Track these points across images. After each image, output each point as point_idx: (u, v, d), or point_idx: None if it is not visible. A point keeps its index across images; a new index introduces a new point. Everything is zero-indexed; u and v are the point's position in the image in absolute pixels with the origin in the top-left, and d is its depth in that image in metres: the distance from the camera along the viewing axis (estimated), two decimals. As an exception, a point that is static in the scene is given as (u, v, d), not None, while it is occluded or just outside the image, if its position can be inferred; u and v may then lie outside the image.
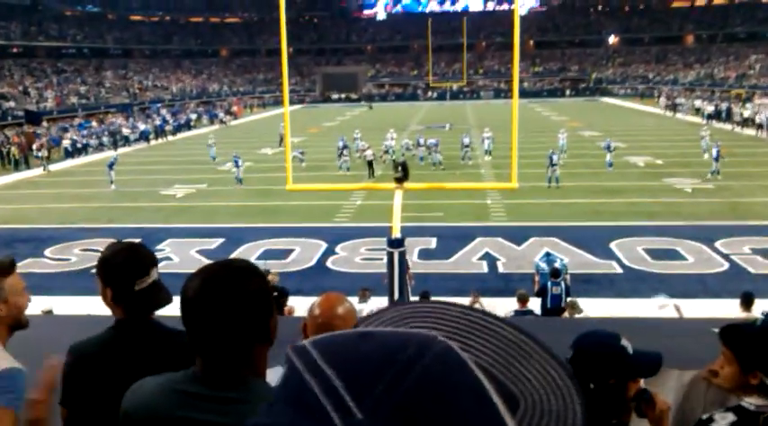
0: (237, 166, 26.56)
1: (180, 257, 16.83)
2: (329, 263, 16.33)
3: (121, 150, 39.57)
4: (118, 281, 2.31)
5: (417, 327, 0.57)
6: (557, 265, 12.56)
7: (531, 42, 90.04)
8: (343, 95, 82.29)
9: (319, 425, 0.44)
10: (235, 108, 65.45)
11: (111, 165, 26.93)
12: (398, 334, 0.52)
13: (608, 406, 2.16)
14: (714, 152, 24.95)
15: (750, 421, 2.24)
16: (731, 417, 2.28)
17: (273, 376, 1.89)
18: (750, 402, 2.32)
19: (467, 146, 29.93)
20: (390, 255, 13.26)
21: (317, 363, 0.48)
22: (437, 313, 0.60)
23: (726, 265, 15.41)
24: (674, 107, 54.29)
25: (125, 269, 2.31)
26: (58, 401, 2.32)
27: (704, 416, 2.36)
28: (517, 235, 17.73)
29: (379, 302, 11.09)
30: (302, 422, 0.45)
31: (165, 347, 2.27)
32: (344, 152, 28.76)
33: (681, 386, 3.35)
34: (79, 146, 39.43)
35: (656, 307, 11.03)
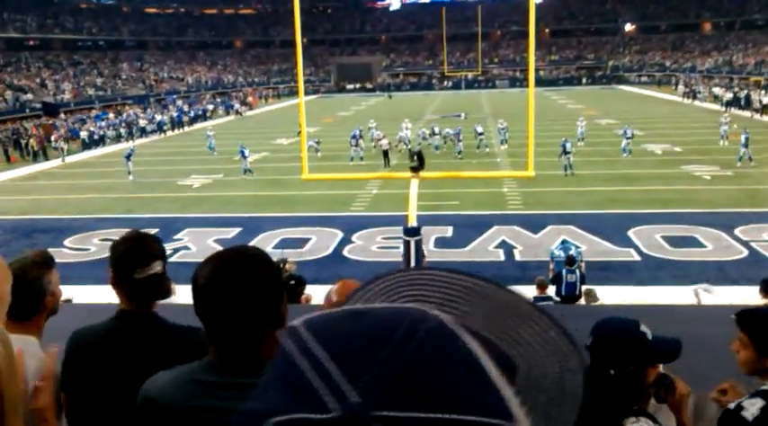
0: (244, 157, 26.46)
1: (197, 246, 16.92)
2: (346, 252, 16.37)
3: (138, 141, 39.83)
4: (119, 266, 2.38)
5: (409, 296, 0.56)
6: (571, 253, 12.52)
7: (547, 30, 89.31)
8: (357, 85, 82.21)
9: (314, 410, 0.42)
10: (250, 98, 65.64)
11: (128, 156, 27.12)
12: (391, 311, 0.51)
13: (628, 392, 2.16)
14: (743, 138, 24.65)
15: None
16: (760, 402, 2.27)
17: None
18: None
19: (481, 134, 29.80)
20: (407, 244, 13.28)
21: (308, 345, 0.46)
22: (428, 280, 0.58)
23: (745, 252, 15.28)
24: (693, 94, 53.75)
25: (127, 256, 2.39)
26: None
27: (732, 405, 2.35)
28: (534, 223, 17.66)
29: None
30: (296, 407, 0.43)
31: (164, 340, 2.32)
32: (358, 142, 28.70)
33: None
34: (96, 137, 39.72)
35: (701, 291, 10.95)
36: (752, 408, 2.26)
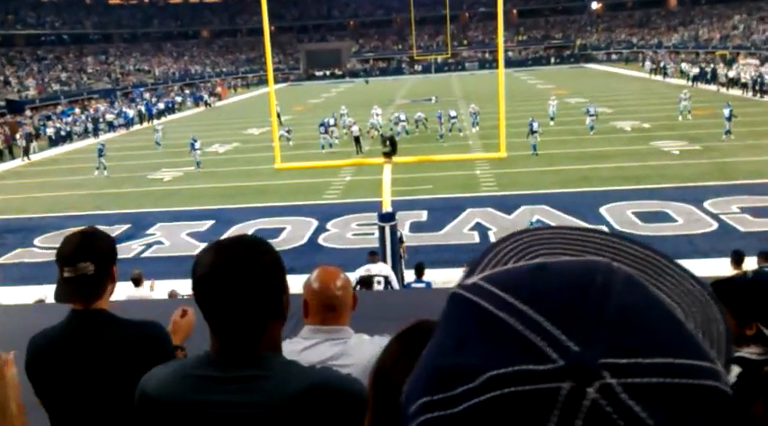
0: (194, 150, 26.14)
1: (171, 241, 16.80)
2: (321, 240, 16.34)
3: (105, 136, 39.28)
4: (57, 263, 2.38)
5: (545, 254, 0.55)
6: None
7: (515, 11, 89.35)
8: (327, 72, 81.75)
9: (535, 362, 0.41)
10: (219, 89, 64.95)
11: (100, 152, 26.67)
12: (577, 264, 0.49)
13: None
14: (726, 112, 24.95)
15: (754, 371, 2.26)
16: (737, 369, 2.30)
17: (289, 348, 1.88)
18: (751, 352, 2.35)
19: (454, 117, 29.77)
20: (382, 230, 13.30)
21: (505, 299, 0.45)
22: (560, 237, 0.57)
23: (715, 225, 15.52)
24: (663, 70, 54.23)
25: (59, 252, 2.38)
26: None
27: None
28: (507, 205, 17.77)
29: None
30: (517, 359, 0.41)
31: (116, 337, 2.31)
32: (327, 129, 28.50)
33: None
34: (63, 133, 39.09)
35: None
36: (729, 374, 2.29)
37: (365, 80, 73.75)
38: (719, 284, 2.45)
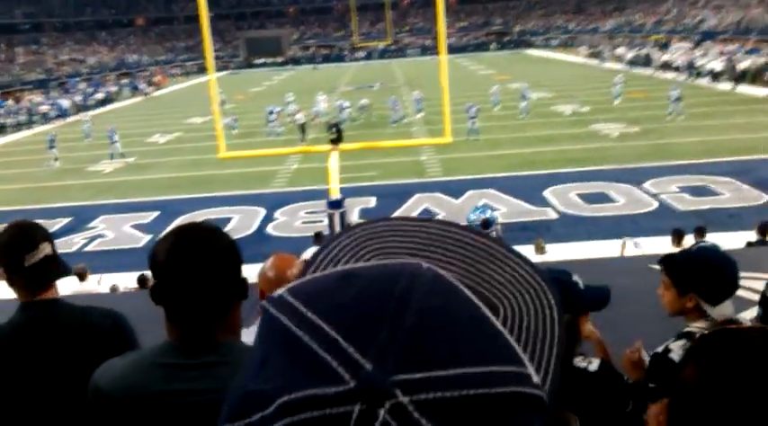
0: (112, 142, 25.60)
1: (115, 233, 16.43)
2: (270, 229, 16.22)
3: (41, 128, 38.04)
4: (7, 258, 2.32)
5: (378, 249, 0.54)
6: (487, 216, 12.76)
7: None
8: (268, 60, 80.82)
9: (326, 384, 0.39)
10: (158, 77, 63.54)
11: (51, 143, 25.74)
12: (383, 269, 0.48)
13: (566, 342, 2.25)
14: (675, 94, 25.66)
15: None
16: (686, 343, 2.40)
17: (246, 338, 1.88)
18: (696, 326, 2.47)
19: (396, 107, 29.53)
20: (331, 217, 13.29)
21: (305, 315, 0.43)
22: (394, 230, 0.56)
23: (655, 204, 15.98)
24: (600, 55, 55.30)
25: (12, 245, 2.31)
26: None
27: (660, 349, 2.48)
28: (454, 189, 17.94)
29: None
30: (305, 383, 0.39)
31: (74, 325, 2.28)
32: (270, 117, 28.21)
33: None
34: (-5, 126, 37.75)
35: (629, 244, 11.47)
36: (678, 350, 2.38)
37: (313, 66, 73.54)
38: (666, 258, 2.59)
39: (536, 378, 0.43)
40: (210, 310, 1.58)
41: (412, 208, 16.87)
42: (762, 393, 1.11)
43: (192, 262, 1.55)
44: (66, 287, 9.55)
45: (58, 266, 2.39)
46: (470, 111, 24.44)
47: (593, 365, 2.33)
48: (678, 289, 2.51)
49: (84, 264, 10.63)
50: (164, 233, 1.64)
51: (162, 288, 1.56)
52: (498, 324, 0.46)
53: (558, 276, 2.28)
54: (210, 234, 1.62)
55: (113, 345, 2.13)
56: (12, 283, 2.34)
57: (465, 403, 0.39)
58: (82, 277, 10.30)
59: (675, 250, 9.50)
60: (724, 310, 2.47)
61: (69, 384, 2.16)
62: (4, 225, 2.42)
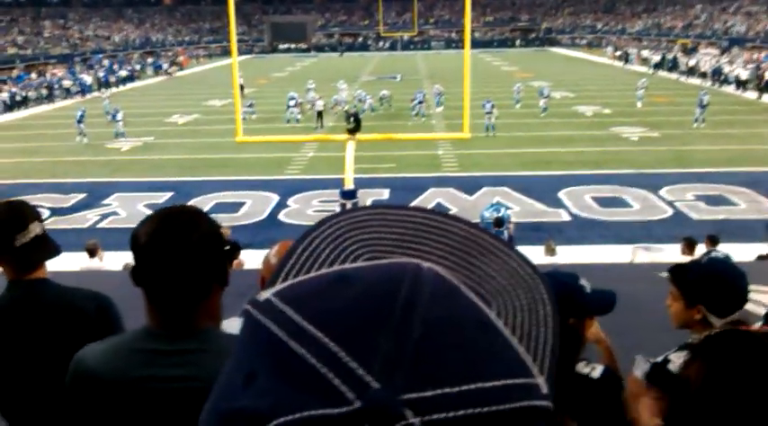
0: (116, 120, 25.76)
1: (127, 212, 16.52)
2: (281, 216, 16.23)
3: (62, 103, 38.32)
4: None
5: (362, 240, 0.50)
6: (500, 214, 12.72)
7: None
8: (292, 45, 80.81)
9: (329, 404, 0.36)
10: (181, 58, 63.74)
11: (80, 119, 25.88)
12: (380, 271, 0.44)
13: (570, 345, 2.22)
14: (704, 99, 25.24)
15: None
16: (685, 355, 2.36)
17: (231, 326, 1.87)
18: (696, 337, 2.42)
19: (420, 103, 28.88)
20: (343, 207, 13.27)
21: (299, 324, 0.39)
22: (378, 219, 0.52)
23: (670, 212, 15.82)
24: (626, 57, 54.79)
25: (2, 224, 2.31)
26: None
27: (659, 358, 2.44)
28: (469, 185, 17.86)
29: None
30: (307, 401, 0.36)
31: (61, 304, 2.28)
32: (291, 103, 28.15)
33: None
34: (18, 99, 38.01)
35: (640, 251, 11.39)
36: (678, 361, 2.35)
37: (339, 52, 74.53)
38: (675, 269, 2.55)
39: (545, 389, 0.41)
40: (190, 295, 1.57)
41: (425, 202, 16.81)
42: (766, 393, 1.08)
43: (172, 246, 1.54)
44: (75, 262, 9.63)
45: (47, 246, 2.38)
46: (486, 107, 24.36)
47: (597, 371, 2.30)
48: (686, 301, 2.47)
49: (96, 240, 10.65)
50: (144, 217, 1.62)
51: (142, 271, 1.56)
52: (505, 330, 0.43)
53: (564, 278, 2.26)
54: (193, 218, 1.61)
55: (96, 328, 2.13)
56: (1, 262, 2.34)
57: (478, 422, 0.37)
58: (92, 253, 10.30)
59: (686, 258, 9.42)
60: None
61: (50, 366, 2.16)
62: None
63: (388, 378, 0.36)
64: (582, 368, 2.28)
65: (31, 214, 2.37)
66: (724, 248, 10.23)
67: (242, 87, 32.94)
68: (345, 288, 0.41)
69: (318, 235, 0.51)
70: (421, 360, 0.37)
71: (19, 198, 2.56)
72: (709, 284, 2.43)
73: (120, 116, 25.92)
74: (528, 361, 0.42)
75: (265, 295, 0.42)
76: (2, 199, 2.46)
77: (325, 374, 0.36)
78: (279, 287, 0.43)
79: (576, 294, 2.22)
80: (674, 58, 47.95)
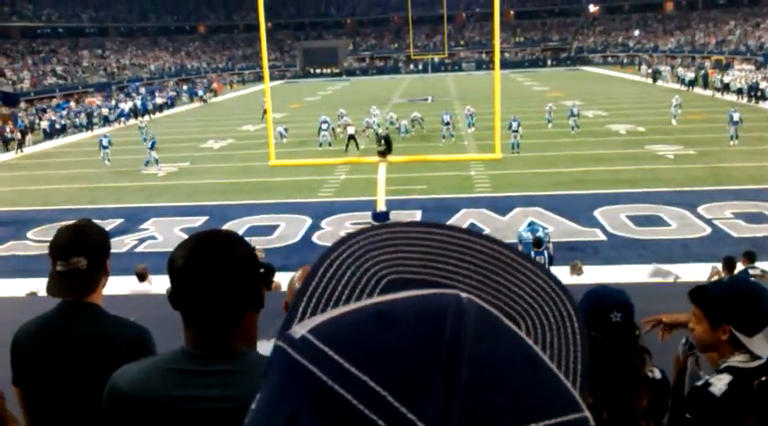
0: (152, 148, 25.82)
1: (164, 236, 16.75)
2: (315, 238, 16.31)
3: (100, 130, 39.15)
4: (50, 255, 2.37)
5: (385, 261, 0.48)
6: (539, 235, 12.61)
7: (512, 12, 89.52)
8: (324, 70, 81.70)
9: None
10: (215, 85, 64.82)
11: (106, 145, 26.48)
12: (420, 306, 0.41)
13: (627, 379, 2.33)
14: (734, 116, 24.81)
15: (745, 379, 2.29)
16: (727, 378, 2.33)
17: (265, 348, 1.89)
18: (738, 360, 2.38)
19: (447, 124, 28.46)
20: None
21: (342, 366, 0.36)
22: (399, 238, 0.50)
23: (708, 230, 15.55)
24: (655, 75, 54.32)
25: (53, 247, 2.36)
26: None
27: (699, 383, 2.40)
28: (502, 206, 17.78)
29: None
30: None
31: (100, 333, 2.30)
32: (323, 127, 28.32)
33: None
34: (58, 126, 38.95)
35: (652, 273, 11.20)
36: (719, 384, 2.32)
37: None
38: (696, 290, 2.52)
39: (592, 421, 0.39)
40: (225, 318, 1.59)
41: (458, 223, 16.75)
42: None
43: (207, 269, 1.57)
44: (124, 286, 9.82)
45: (78, 284, 2.36)
46: (513, 126, 24.45)
47: (656, 373, 2.41)
48: (710, 322, 2.43)
49: (145, 265, 10.85)
50: (182, 241, 1.65)
51: (179, 294, 1.59)
52: (549, 361, 0.41)
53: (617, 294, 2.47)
54: (228, 242, 1.63)
55: (127, 358, 2.14)
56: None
57: None
58: (142, 277, 10.51)
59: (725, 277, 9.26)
60: (760, 342, 2.40)
61: (84, 387, 2.21)
62: (79, 220, 2.51)
63: (441, 423, 0.34)
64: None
65: (80, 248, 2.35)
66: (763, 267, 10.04)
67: (264, 111, 33.36)
68: (386, 328, 0.39)
69: (339, 255, 0.49)
70: (473, 404, 0.35)
71: (96, 223, 2.57)
72: (734, 301, 2.40)
73: (151, 145, 26.10)
74: (575, 394, 0.40)
75: (300, 331, 0.40)
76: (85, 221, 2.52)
77: (375, 421, 0.34)
78: (313, 322, 0.41)
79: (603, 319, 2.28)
80: (708, 75, 47.38)
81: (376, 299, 0.44)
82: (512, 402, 0.36)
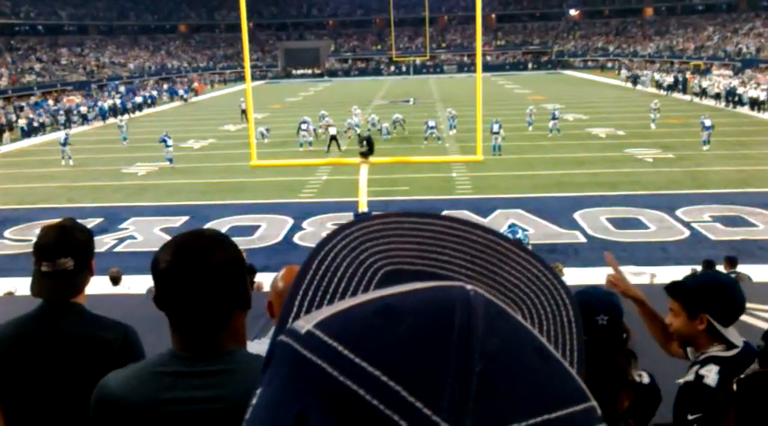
0: (167, 146, 25.25)
1: (144, 236, 16.61)
2: (296, 239, 16.27)
3: (79, 129, 38.77)
4: (35, 256, 2.33)
5: (380, 252, 0.48)
6: (519, 236, 12.64)
7: (493, 16, 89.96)
8: (305, 70, 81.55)
9: None
10: (196, 84, 64.44)
11: (64, 143, 26.30)
12: (425, 299, 0.40)
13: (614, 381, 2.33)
14: (708, 122, 25.02)
15: (731, 366, 2.35)
16: (715, 367, 2.39)
17: (257, 348, 1.87)
18: (717, 350, 2.46)
19: (432, 128, 28.43)
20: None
21: (353, 361, 0.36)
22: (393, 229, 0.50)
23: (687, 233, 15.71)
24: (635, 79, 54.82)
25: (36, 246, 2.33)
26: None
27: (689, 377, 2.44)
28: (483, 208, 17.84)
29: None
30: None
31: (85, 334, 2.26)
32: (302, 127, 28.20)
33: None
34: (36, 125, 38.51)
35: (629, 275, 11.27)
36: (710, 375, 2.38)
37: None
38: (672, 285, 2.59)
39: (600, 410, 0.39)
40: (211, 318, 1.57)
41: (439, 224, 16.80)
42: None
43: (192, 271, 1.55)
44: (97, 288, 9.66)
45: (64, 285, 2.32)
46: (493, 128, 24.51)
47: (645, 378, 2.40)
48: (688, 313, 2.50)
49: (118, 268, 10.66)
50: (166, 241, 1.63)
51: (164, 296, 1.57)
52: (555, 352, 0.41)
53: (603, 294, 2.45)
54: (212, 243, 1.61)
55: (118, 358, 2.11)
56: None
57: None
58: (116, 281, 10.26)
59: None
60: (734, 332, 2.49)
61: (65, 394, 2.17)
62: (63, 219, 2.44)
63: (457, 418, 0.34)
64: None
65: (66, 249, 2.31)
66: (742, 269, 10.16)
67: (243, 112, 33.31)
68: (395, 322, 0.38)
69: (333, 247, 0.48)
70: (486, 396, 0.35)
71: (82, 224, 2.50)
72: (711, 291, 2.48)
73: (170, 142, 25.46)
74: (582, 384, 0.40)
75: (305, 326, 0.39)
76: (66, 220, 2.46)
77: (390, 416, 0.34)
78: (318, 317, 0.40)
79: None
80: (687, 80, 47.89)
81: (380, 293, 0.43)
82: (525, 394, 0.36)
